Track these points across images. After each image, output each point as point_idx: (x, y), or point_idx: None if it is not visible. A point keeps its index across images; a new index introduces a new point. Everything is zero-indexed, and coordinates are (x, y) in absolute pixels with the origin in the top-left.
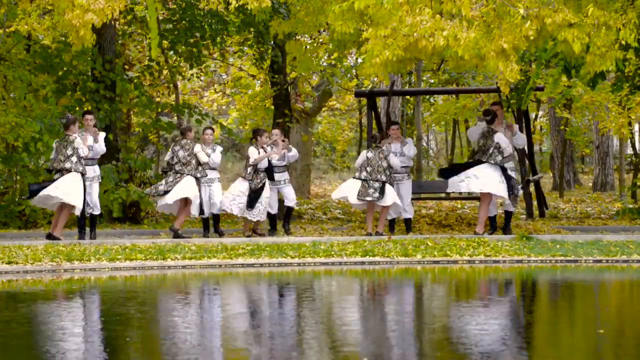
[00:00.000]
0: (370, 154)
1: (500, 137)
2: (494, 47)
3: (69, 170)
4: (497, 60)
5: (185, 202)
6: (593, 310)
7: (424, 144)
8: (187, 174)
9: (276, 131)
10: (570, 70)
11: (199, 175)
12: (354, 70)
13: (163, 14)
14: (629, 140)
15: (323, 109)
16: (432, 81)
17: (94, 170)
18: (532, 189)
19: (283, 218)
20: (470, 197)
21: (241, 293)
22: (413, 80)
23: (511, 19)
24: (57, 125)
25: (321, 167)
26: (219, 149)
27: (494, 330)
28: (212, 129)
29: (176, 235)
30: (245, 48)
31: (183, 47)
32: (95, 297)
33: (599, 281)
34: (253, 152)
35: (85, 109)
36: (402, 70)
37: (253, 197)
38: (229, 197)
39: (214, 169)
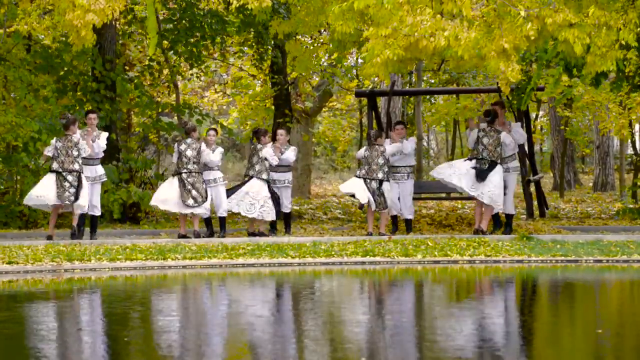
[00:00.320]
0: (367, 152)
1: (505, 137)
2: (495, 47)
3: (77, 172)
4: (498, 60)
5: None
6: (592, 310)
7: (425, 144)
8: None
9: (281, 131)
10: (572, 70)
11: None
12: (354, 71)
13: (163, 14)
14: (629, 140)
15: (323, 109)
16: (433, 81)
17: (95, 171)
18: (532, 189)
19: (284, 222)
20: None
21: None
22: (413, 80)
23: (512, 19)
24: (57, 125)
25: (322, 167)
26: (220, 150)
27: (493, 330)
28: (215, 130)
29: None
30: (245, 48)
31: (183, 47)
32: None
33: (599, 281)
34: (269, 152)
35: (86, 108)
36: (402, 70)
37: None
38: (257, 204)
39: (216, 169)
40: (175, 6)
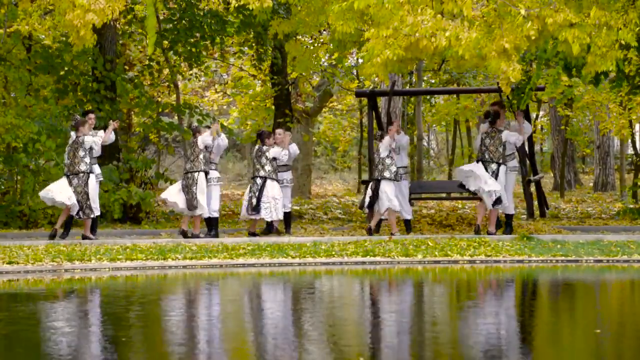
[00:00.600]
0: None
1: (507, 135)
2: (496, 47)
3: (84, 173)
4: (499, 60)
5: None
6: (592, 310)
7: (425, 144)
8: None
9: (280, 130)
10: (571, 70)
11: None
12: (354, 71)
13: (163, 13)
14: (629, 140)
15: (324, 109)
16: (433, 81)
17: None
18: (532, 189)
19: (284, 222)
20: (471, 197)
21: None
22: (414, 80)
23: (512, 18)
24: (57, 125)
25: (322, 167)
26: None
27: (492, 329)
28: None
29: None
30: (245, 48)
31: (182, 47)
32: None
33: (599, 281)
34: (276, 151)
35: (86, 109)
36: (403, 70)
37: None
38: (274, 203)
39: (215, 169)
40: (175, 6)
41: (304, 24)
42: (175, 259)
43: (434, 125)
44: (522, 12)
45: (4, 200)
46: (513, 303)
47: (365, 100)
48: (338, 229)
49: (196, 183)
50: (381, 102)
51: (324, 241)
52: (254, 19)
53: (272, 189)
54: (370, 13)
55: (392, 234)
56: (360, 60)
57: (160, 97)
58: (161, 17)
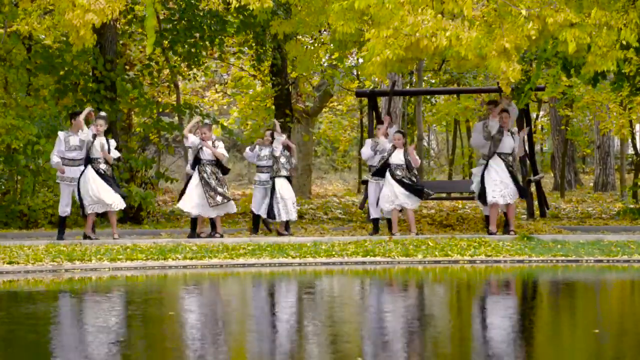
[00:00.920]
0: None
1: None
2: (496, 47)
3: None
4: (499, 60)
5: None
6: (592, 310)
7: (425, 144)
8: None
9: (268, 132)
10: (570, 70)
11: None
12: (354, 71)
13: (163, 13)
14: (629, 140)
15: (324, 109)
16: (433, 81)
17: (80, 171)
18: (533, 189)
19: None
20: (470, 197)
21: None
22: (414, 80)
23: (513, 18)
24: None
25: (322, 167)
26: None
27: (491, 329)
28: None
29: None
30: (245, 48)
31: (182, 47)
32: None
33: (599, 281)
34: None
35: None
36: (403, 70)
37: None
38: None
39: None
40: (175, 6)
41: (304, 24)
42: (176, 259)
43: (434, 125)
44: (523, 11)
45: (4, 200)
46: (513, 303)
47: (365, 100)
48: (338, 229)
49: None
50: (381, 102)
51: (324, 241)
52: (254, 19)
53: (284, 189)
54: (371, 13)
55: (410, 231)
56: (361, 60)
57: (160, 97)
58: (161, 17)
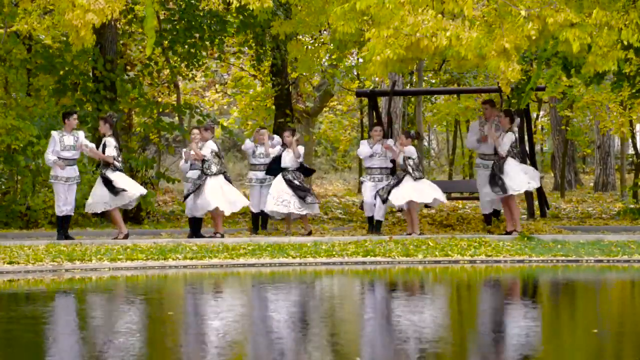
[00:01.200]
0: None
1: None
2: (496, 47)
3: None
4: (499, 60)
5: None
6: (591, 310)
7: (425, 144)
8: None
9: (286, 133)
10: (570, 69)
11: None
12: (354, 71)
13: (164, 13)
14: (630, 140)
15: (324, 108)
16: (434, 81)
17: (74, 171)
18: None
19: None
20: (471, 197)
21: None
22: (414, 80)
23: (513, 18)
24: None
25: (322, 167)
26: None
27: (490, 328)
28: (199, 129)
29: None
30: (245, 48)
31: (181, 47)
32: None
33: (599, 281)
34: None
35: (86, 108)
36: (403, 70)
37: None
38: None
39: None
40: (175, 7)
41: (305, 24)
42: (176, 259)
43: (435, 125)
44: (523, 12)
45: (5, 200)
46: (512, 302)
47: (365, 100)
48: (338, 229)
49: (230, 182)
50: (382, 102)
51: (325, 241)
52: (254, 20)
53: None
54: (371, 13)
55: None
56: (361, 60)
57: (160, 97)
58: (161, 18)
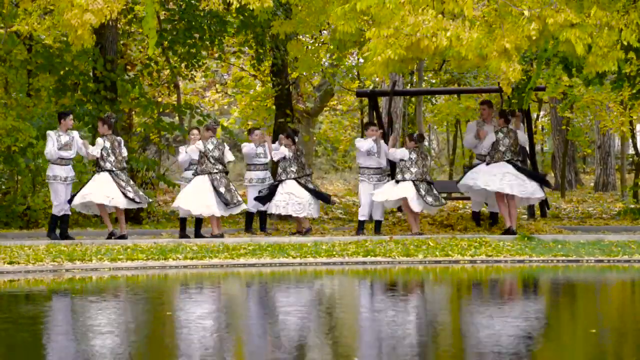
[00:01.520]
0: (413, 155)
1: (521, 135)
2: (497, 47)
3: (123, 170)
4: (500, 60)
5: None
6: (591, 310)
7: (426, 144)
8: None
9: (281, 135)
10: (571, 70)
11: None
12: (355, 71)
13: (164, 14)
14: (630, 140)
15: (325, 108)
16: (434, 81)
17: (70, 170)
18: None
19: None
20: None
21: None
22: (415, 80)
23: (513, 19)
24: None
25: (323, 167)
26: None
27: (488, 328)
28: (198, 129)
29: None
30: (245, 48)
31: (181, 47)
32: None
33: (600, 281)
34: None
35: (86, 108)
36: (403, 70)
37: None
38: (305, 204)
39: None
40: (175, 7)
41: (305, 24)
42: (176, 259)
43: (435, 126)
44: (525, 13)
45: (5, 200)
46: (512, 302)
47: (366, 100)
48: (339, 229)
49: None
50: (382, 102)
51: (325, 241)
52: (254, 20)
53: (293, 188)
54: (372, 13)
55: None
56: (361, 60)
57: (160, 97)
58: (161, 18)
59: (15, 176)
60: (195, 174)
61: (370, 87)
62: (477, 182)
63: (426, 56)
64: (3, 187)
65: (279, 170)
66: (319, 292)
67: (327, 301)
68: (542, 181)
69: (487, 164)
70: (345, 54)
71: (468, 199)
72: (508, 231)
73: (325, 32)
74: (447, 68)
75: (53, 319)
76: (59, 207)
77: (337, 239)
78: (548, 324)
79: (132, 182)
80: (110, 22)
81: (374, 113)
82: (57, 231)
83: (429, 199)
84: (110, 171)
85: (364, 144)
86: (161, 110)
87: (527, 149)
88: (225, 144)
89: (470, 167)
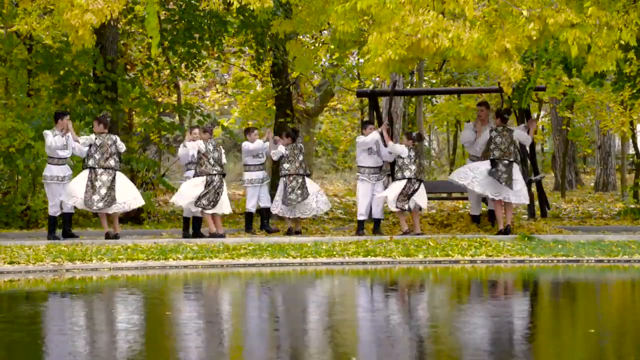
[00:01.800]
0: (412, 153)
1: (519, 134)
2: (497, 48)
3: (113, 170)
4: (500, 60)
5: None
6: (591, 309)
7: (426, 144)
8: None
9: (276, 137)
10: (571, 70)
11: None
12: (355, 71)
13: (164, 14)
14: (630, 140)
15: (325, 109)
16: (434, 81)
17: (67, 169)
18: (534, 189)
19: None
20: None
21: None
22: (415, 80)
23: (514, 19)
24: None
25: (323, 167)
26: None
27: (489, 328)
28: (198, 127)
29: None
30: (246, 48)
31: (181, 48)
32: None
33: (600, 281)
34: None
35: (87, 108)
36: (404, 70)
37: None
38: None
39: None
40: (175, 7)
41: (305, 24)
42: (177, 259)
43: (435, 126)
44: (524, 13)
45: (5, 200)
46: (512, 302)
47: (366, 100)
48: (339, 229)
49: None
50: (382, 102)
51: (325, 241)
52: (254, 20)
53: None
54: (372, 13)
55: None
56: (362, 60)
57: (161, 97)
58: (161, 18)
59: (16, 176)
60: (195, 175)
61: (371, 87)
62: (453, 177)
63: (427, 56)
64: (3, 187)
65: (279, 167)
66: (319, 291)
67: (327, 301)
68: (530, 182)
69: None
70: (345, 54)
71: (468, 199)
72: (502, 231)
73: (325, 32)
74: (447, 68)
75: (53, 319)
76: (54, 207)
77: (338, 239)
78: (547, 323)
79: (114, 185)
80: (112, 22)
81: (374, 113)
82: (59, 231)
83: (411, 204)
84: (92, 168)
85: (370, 136)
86: (161, 110)
87: (528, 148)
88: (220, 146)
89: None
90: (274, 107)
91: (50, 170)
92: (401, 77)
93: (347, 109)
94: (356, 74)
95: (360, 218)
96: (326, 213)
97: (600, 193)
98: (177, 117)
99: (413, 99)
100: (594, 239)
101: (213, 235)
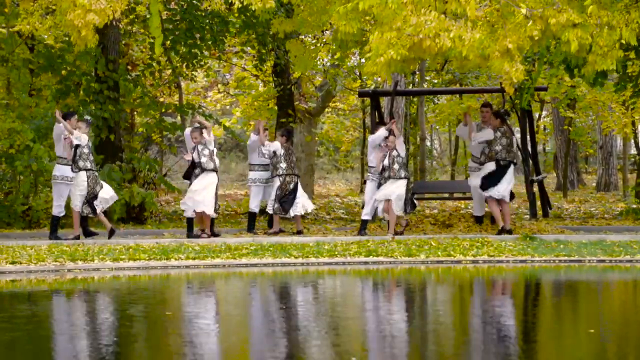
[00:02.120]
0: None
1: (483, 134)
2: (499, 48)
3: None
4: (502, 60)
5: None
6: (592, 309)
7: (428, 144)
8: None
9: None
10: (573, 70)
11: None
12: (356, 71)
13: (166, 13)
14: (632, 140)
15: (326, 109)
16: (436, 81)
17: (70, 170)
18: (535, 189)
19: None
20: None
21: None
22: (416, 80)
23: (515, 19)
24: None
25: (325, 167)
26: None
27: (493, 328)
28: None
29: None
30: (247, 48)
31: (183, 48)
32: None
33: (602, 281)
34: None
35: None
36: (406, 70)
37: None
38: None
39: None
40: (177, 7)
41: (306, 24)
42: (178, 259)
43: (437, 126)
44: (524, 11)
45: (7, 200)
46: (512, 302)
47: (367, 100)
48: (341, 229)
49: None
50: (384, 102)
51: (327, 241)
52: (256, 20)
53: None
54: (374, 13)
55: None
56: (363, 60)
57: (162, 97)
58: (163, 17)
59: (17, 176)
60: (201, 171)
61: (372, 87)
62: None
63: (428, 56)
64: (5, 187)
65: (270, 167)
66: (320, 292)
67: (328, 301)
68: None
69: (482, 163)
70: (347, 54)
71: (469, 199)
72: (502, 230)
73: (327, 32)
74: (449, 68)
75: (52, 319)
76: (59, 207)
77: (339, 239)
78: (549, 323)
79: (101, 189)
80: (114, 22)
81: (376, 113)
82: (61, 231)
83: (409, 207)
84: (88, 170)
85: (377, 133)
86: (163, 110)
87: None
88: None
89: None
90: (276, 107)
91: (60, 170)
92: (403, 77)
93: (349, 109)
94: (357, 74)
95: (365, 217)
96: (328, 213)
97: (602, 193)
98: (178, 117)
99: (415, 99)
100: (596, 239)
101: (212, 234)
